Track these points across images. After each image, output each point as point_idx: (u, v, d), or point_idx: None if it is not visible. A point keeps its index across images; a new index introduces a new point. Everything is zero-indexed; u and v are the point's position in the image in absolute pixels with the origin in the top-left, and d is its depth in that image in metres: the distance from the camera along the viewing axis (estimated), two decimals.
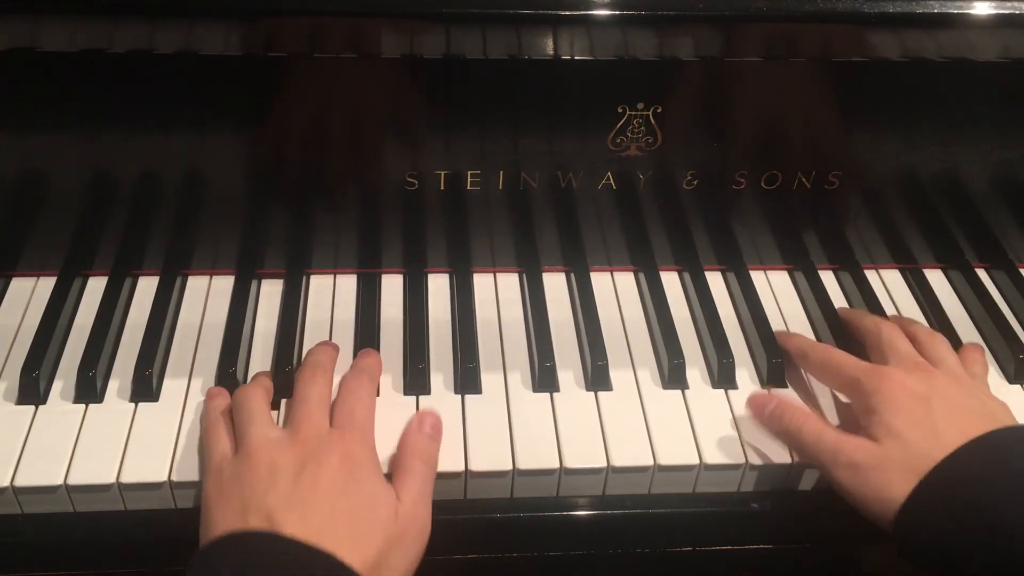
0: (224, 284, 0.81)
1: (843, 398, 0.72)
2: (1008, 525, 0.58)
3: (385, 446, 0.68)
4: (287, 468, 0.61)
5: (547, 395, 0.73)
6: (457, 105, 0.73)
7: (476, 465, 0.67)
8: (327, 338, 0.77)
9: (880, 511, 0.63)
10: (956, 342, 0.79)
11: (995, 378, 0.78)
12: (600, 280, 0.84)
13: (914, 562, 0.63)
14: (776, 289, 0.85)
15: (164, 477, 0.66)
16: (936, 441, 0.63)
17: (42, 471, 0.66)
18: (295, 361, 0.74)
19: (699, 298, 0.82)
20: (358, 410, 0.67)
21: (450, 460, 0.67)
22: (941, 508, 0.61)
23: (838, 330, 0.79)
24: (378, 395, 0.72)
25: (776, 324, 0.80)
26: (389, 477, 0.65)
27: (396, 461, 0.66)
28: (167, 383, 0.73)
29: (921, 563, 0.62)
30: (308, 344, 0.76)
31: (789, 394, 0.74)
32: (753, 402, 0.72)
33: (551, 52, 0.69)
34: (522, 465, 0.67)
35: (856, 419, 0.68)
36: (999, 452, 0.62)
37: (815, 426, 0.68)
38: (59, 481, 0.65)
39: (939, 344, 0.74)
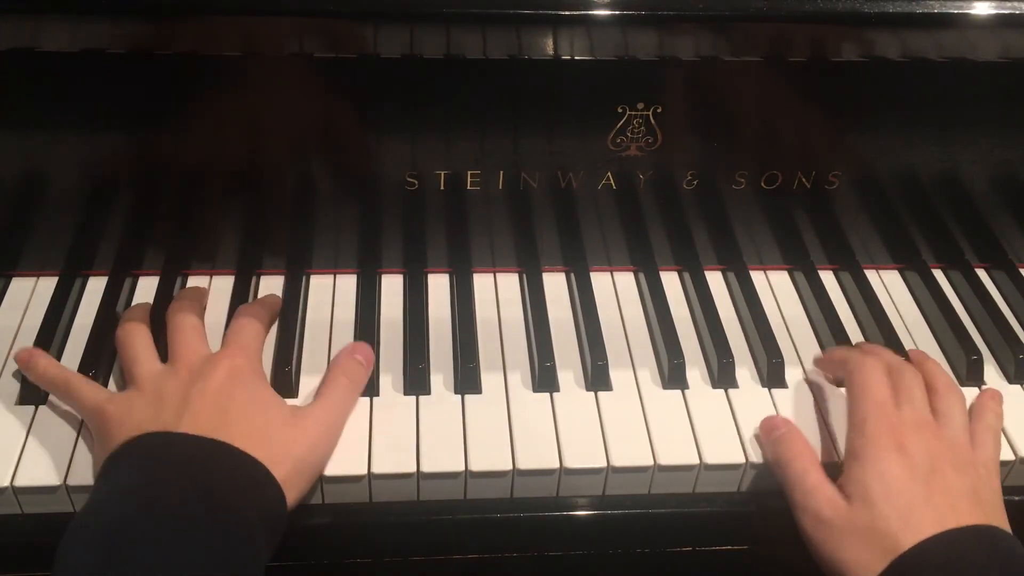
0: (224, 284, 0.81)
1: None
2: None
3: (385, 446, 0.68)
4: (174, 391, 0.64)
5: (547, 395, 0.73)
6: (457, 105, 0.73)
7: (476, 465, 0.67)
8: (327, 338, 0.77)
9: (830, 570, 0.62)
10: (955, 343, 0.79)
11: (995, 378, 0.78)
12: (600, 280, 0.84)
13: None
14: (776, 289, 0.85)
15: None
16: (906, 522, 0.60)
17: (42, 471, 0.66)
18: (295, 361, 0.74)
19: (699, 298, 0.82)
20: (245, 330, 0.70)
21: (450, 460, 0.67)
22: None
23: (838, 330, 0.79)
24: (378, 395, 0.72)
25: (776, 324, 0.80)
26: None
27: (324, 377, 0.70)
28: None
29: None
30: (308, 344, 0.76)
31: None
32: (765, 423, 0.70)
33: (551, 52, 0.69)
34: (522, 465, 0.67)
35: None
36: (961, 554, 0.59)
37: (802, 465, 0.65)
38: (59, 481, 0.65)
39: (955, 400, 0.69)
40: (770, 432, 0.69)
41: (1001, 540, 0.61)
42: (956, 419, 0.68)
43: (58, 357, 0.75)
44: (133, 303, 0.80)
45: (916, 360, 0.74)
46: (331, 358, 0.75)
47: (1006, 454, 0.71)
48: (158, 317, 0.74)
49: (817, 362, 0.77)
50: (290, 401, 0.70)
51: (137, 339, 0.70)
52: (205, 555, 0.55)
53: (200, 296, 0.78)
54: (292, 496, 0.62)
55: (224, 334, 0.71)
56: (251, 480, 0.60)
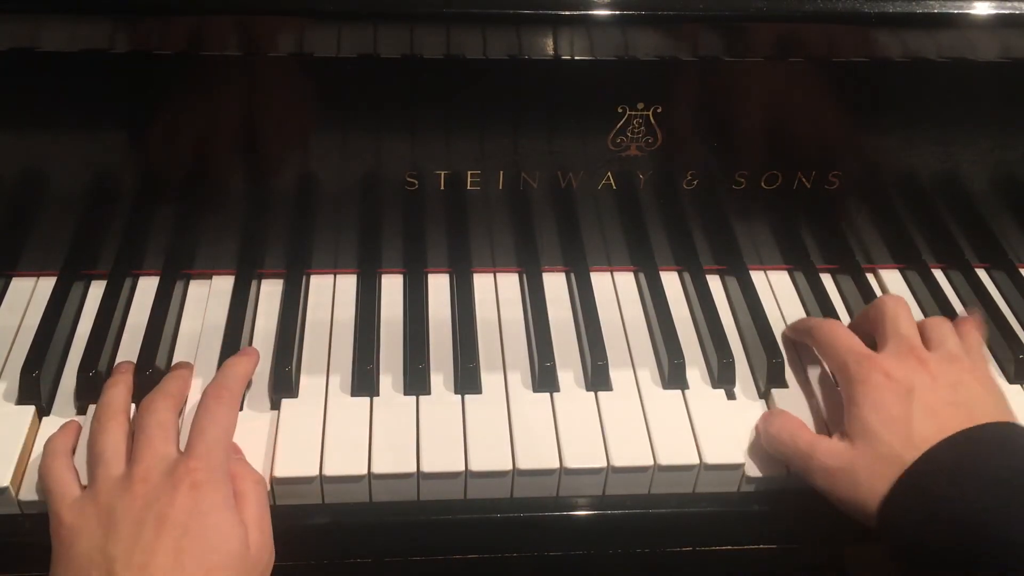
0: (224, 284, 0.81)
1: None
2: (978, 523, 0.57)
3: (385, 446, 0.68)
4: (128, 514, 0.58)
5: (547, 395, 0.73)
6: (457, 105, 0.73)
7: (476, 465, 0.67)
8: (327, 338, 0.77)
9: (855, 513, 0.63)
10: None
11: (995, 378, 0.77)
12: (600, 280, 0.84)
13: (905, 563, 0.62)
14: (776, 289, 0.85)
15: None
16: (908, 441, 0.62)
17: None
18: (295, 361, 0.74)
19: (699, 298, 0.82)
20: (208, 431, 0.63)
21: (450, 460, 0.67)
22: (915, 510, 0.60)
23: None
24: (378, 395, 0.72)
25: (776, 324, 0.80)
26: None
27: (237, 489, 0.62)
28: None
29: (909, 564, 0.62)
30: (308, 344, 0.76)
31: (792, 399, 0.74)
32: (765, 419, 0.71)
33: (551, 52, 0.69)
34: (522, 465, 0.67)
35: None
36: (970, 450, 0.61)
37: (789, 432, 0.67)
38: None
39: (945, 327, 0.72)
40: (761, 422, 0.70)
41: (1010, 434, 0.63)
42: (947, 340, 0.70)
43: (58, 357, 0.75)
44: (133, 303, 0.80)
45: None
46: (331, 359, 0.75)
47: None
48: (155, 322, 0.74)
49: (787, 332, 0.79)
50: (288, 401, 0.70)
51: (108, 433, 0.64)
52: None
53: (182, 385, 0.70)
54: None
55: (191, 426, 0.64)
56: None
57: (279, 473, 0.66)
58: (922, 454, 0.61)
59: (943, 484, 0.60)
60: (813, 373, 0.76)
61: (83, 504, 0.60)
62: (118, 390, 0.68)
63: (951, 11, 0.69)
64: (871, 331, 0.74)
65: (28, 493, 0.65)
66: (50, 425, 0.69)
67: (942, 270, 0.88)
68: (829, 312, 0.81)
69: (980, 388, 0.67)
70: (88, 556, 0.57)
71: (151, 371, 0.71)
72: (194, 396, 0.70)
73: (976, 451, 0.61)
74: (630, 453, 0.69)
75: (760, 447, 0.70)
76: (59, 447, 0.66)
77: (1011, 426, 0.64)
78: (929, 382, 0.66)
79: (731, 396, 0.74)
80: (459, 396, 0.72)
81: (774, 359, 0.75)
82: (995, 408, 0.66)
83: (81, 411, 0.71)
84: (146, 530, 0.57)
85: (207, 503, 0.59)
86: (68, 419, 0.69)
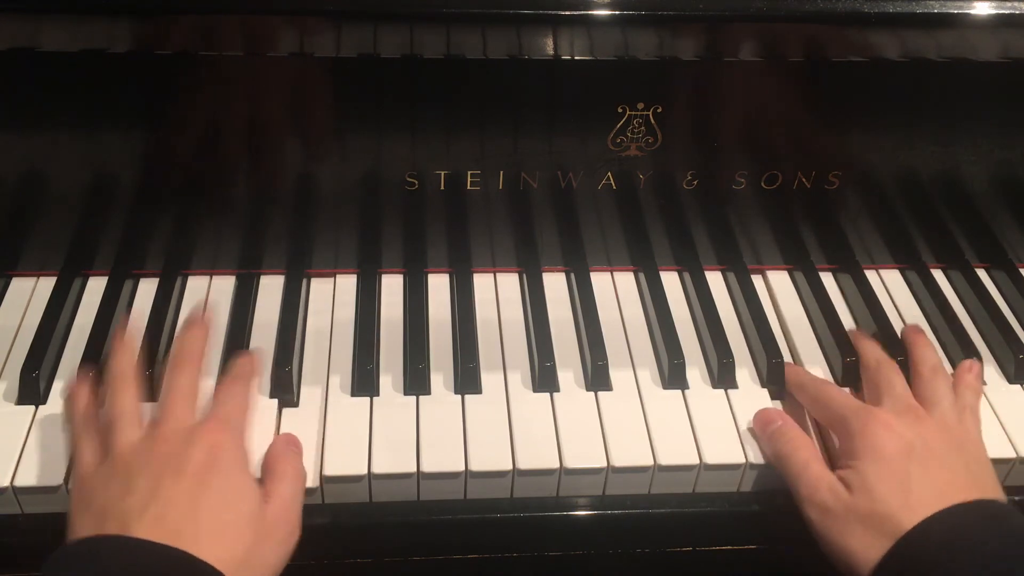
0: (224, 284, 0.81)
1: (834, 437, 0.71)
2: None
3: (385, 446, 0.68)
4: (147, 469, 0.59)
5: (547, 395, 0.73)
6: (457, 105, 0.73)
7: (476, 465, 0.67)
8: (327, 338, 0.77)
9: (836, 559, 0.62)
10: (955, 343, 0.79)
11: (995, 378, 0.78)
12: (600, 280, 0.84)
13: None
14: (776, 289, 0.85)
15: None
16: (905, 501, 0.61)
17: (42, 471, 0.66)
18: (295, 361, 0.74)
19: (699, 298, 0.82)
20: (228, 403, 0.66)
21: (450, 460, 0.67)
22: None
23: (838, 330, 0.79)
24: (378, 395, 0.72)
25: (776, 324, 0.80)
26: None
27: (266, 467, 0.65)
28: None
29: None
30: (309, 344, 0.77)
31: (802, 421, 0.72)
32: (760, 417, 0.71)
33: (551, 52, 0.69)
34: (522, 465, 0.67)
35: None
36: (965, 524, 0.60)
37: (804, 456, 0.66)
38: (59, 481, 0.65)
39: (940, 384, 0.71)
40: (767, 425, 0.70)
41: (1000, 511, 0.62)
42: (942, 401, 0.69)
43: (58, 357, 0.75)
44: (133, 303, 0.80)
45: (908, 342, 0.76)
46: (331, 359, 0.75)
47: (1006, 453, 0.71)
48: (155, 322, 0.75)
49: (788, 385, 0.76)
50: (288, 410, 0.70)
51: (122, 397, 0.65)
52: None
53: (200, 350, 0.70)
54: None
55: (213, 398, 0.66)
56: None
57: None
58: (918, 523, 0.60)
59: (936, 557, 0.59)
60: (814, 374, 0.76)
61: (104, 464, 0.62)
62: (125, 357, 0.68)
63: (951, 11, 0.69)
64: (864, 387, 0.73)
65: (28, 492, 0.65)
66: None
67: (942, 270, 0.88)
68: (829, 312, 0.81)
69: (975, 460, 0.66)
70: (105, 509, 0.58)
71: (151, 371, 0.71)
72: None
73: (971, 527, 0.60)
74: (630, 453, 0.69)
75: (762, 448, 0.70)
76: (80, 411, 0.67)
77: (1000, 504, 0.63)
78: (928, 441, 0.65)
79: (731, 396, 0.74)
80: (459, 396, 0.72)
81: (774, 359, 0.75)
82: (988, 481, 0.65)
83: None
84: (164, 483, 0.58)
85: (224, 463, 0.61)
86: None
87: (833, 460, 0.69)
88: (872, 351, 0.74)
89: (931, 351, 0.74)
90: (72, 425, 0.67)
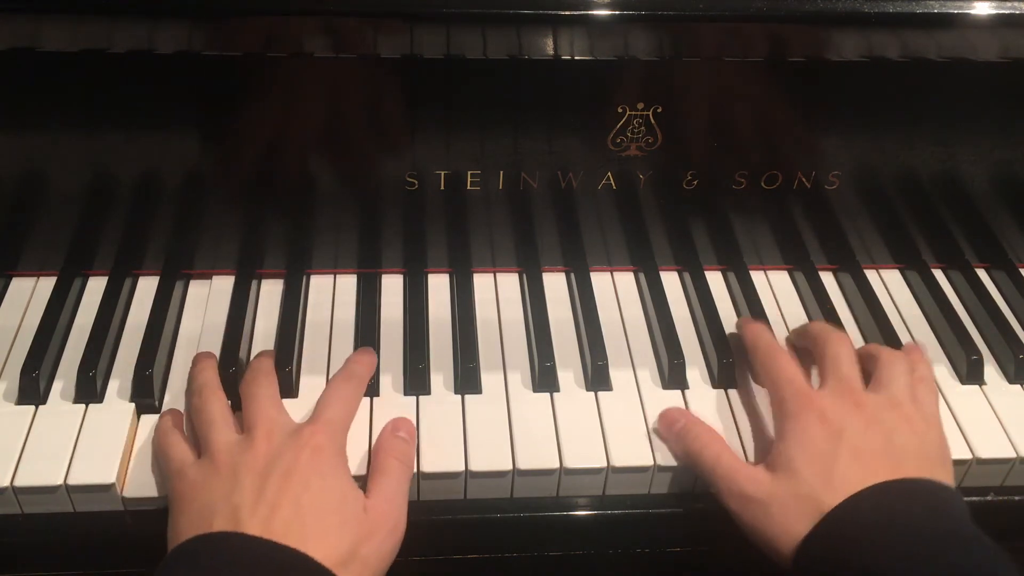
0: (224, 284, 0.81)
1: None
2: None
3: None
4: (252, 468, 0.61)
5: (547, 395, 0.73)
6: (457, 105, 0.73)
7: (476, 465, 0.67)
8: (327, 338, 0.77)
9: (763, 546, 0.62)
10: (955, 343, 0.79)
11: (995, 378, 0.78)
12: (600, 280, 0.84)
13: None
14: (776, 289, 0.85)
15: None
16: (828, 483, 0.60)
17: (42, 471, 0.66)
18: (295, 361, 0.74)
19: (699, 298, 0.82)
20: (334, 406, 0.67)
21: (450, 460, 0.67)
22: (828, 559, 0.58)
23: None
24: (378, 395, 0.72)
25: (776, 324, 0.80)
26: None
27: (372, 462, 0.66)
28: (168, 384, 0.73)
29: None
30: (308, 344, 0.77)
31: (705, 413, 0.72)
32: (663, 418, 0.70)
33: (551, 52, 0.69)
34: (522, 465, 0.67)
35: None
36: (889, 501, 0.59)
37: (714, 450, 0.66)
38: (59, 481, 0.65)
39: (898, 365, 0.70)
40: (671, 425, 0.69)
41: (935, 492, 0.61)
42: (895, 381, 0.68)
43: (58, 357, 0.75)
44: (133, 303, 0.80)
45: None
46: (331, 359, 0.75)
47: (1007, 453, 0.71)
48: (155, 322, 0.75)
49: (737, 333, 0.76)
50: (289, 401, 0.70)
51: (213, 403, 0.67)
52: None
53: (273, 367, 0.72)
54: None
55: (315, 405, 0.68)
56: None
57: None
58: (842, 501, 0.59)
59: (858, 533, 0.58)
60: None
61: (203, 463, 0.63)
62: (210, 371, 0.71)
63: (951, 11, 0.69)
64: (814, 361, 0.72)
65: (28, 492, 0.65)
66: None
67: (942, 270, 0.88)
68: (830, 312, 0.81)
69: (915, 440, 0.64)
70: (211, 507, 0.59)
71: (150, 371, 0.71)
72: None
73: (895, 504, 0.60)
74: (630, 453, 0.69)
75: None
76: (170, 423, 0.68)
77: (935, 484, 0.61)
78: (862, 427, 0.64)
79: (731, 396, 0.74)
80: (459, 396, 0.72)
81: None
82: (926, 462, 0.63)
83: None
84: (270, 483, 0.60)
85: (328, 465, 0.62)
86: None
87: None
88: (819, 325, 0.74)
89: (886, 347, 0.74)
90: (157, 431, 0.68)
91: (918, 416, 0.66)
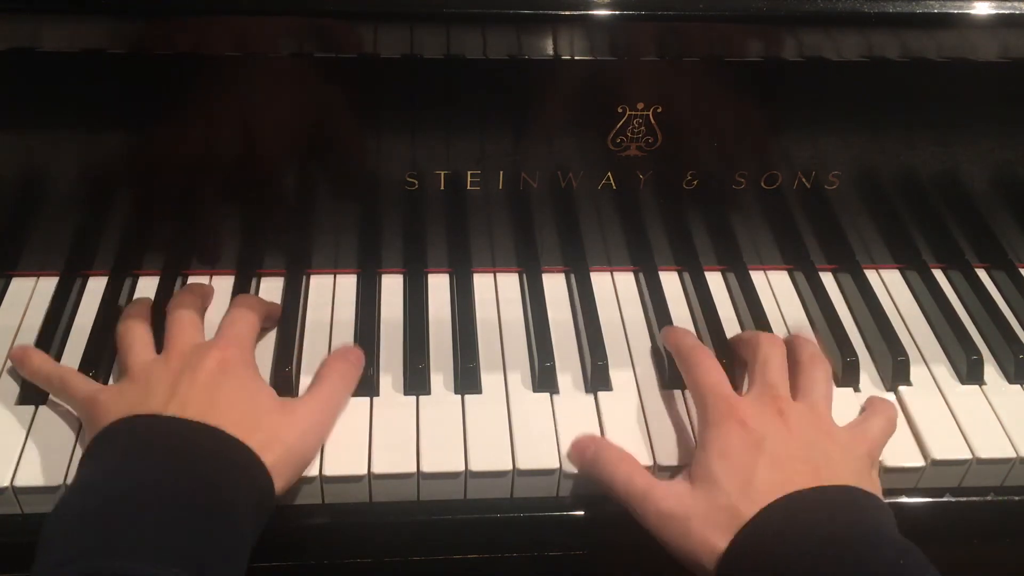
0: (224, 284, 0.81)
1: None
2: None
3: (385, 446, 0.68)
4: (163, 378, 0.64)
5: (547, 395, 0.73)
6: (457, 105, 0.73)
7: (476, 465, 0.67)
8: (327, 338, 0.77)
9: (684, 560, 0.61)
10: (955, 343, 0.79)
11: (995, 378, 0.78)
12: (600, 280, 0.84)
13: None
14: (776, 289, 0.85)
15: None
16: (746, 493, 0.59)
17: (42, 471, 0.66)
18: (295, 361, 0.74)
19: (699, 298, 0.82)
20: (239, 323, 0.71)
21: (450, 460, 0.67)
22: (748, 569, 0.57)
23: (838, 330, 0.79)
24: (378, 395, 0.72)
25: (776, 324, 0.80)
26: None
27: (315, 374, 0.70)
28: None
29: None
30: (308, 344, 0.77)
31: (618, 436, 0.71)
32: (574, 446, 0.68)
33: (551, 52, 0.69)
34: (522, 465, 0.67)
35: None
36: (807, 508, 0.58)
37: (626, 470, 0.64)
38: (60, 481, 0.65)
39: (817, 371, 0.69)
40: (581, 454, 0.67)
41: (853, 497, 0.60)
42: (815, 390, 0.68)
43: (58, 357, 0.75)
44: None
45: (790, 336, 0.74)
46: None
47: (1007, 453, 0.71)
48: (160, 315, 0.75)
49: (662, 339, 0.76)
50: None
51: (134, 332, 0.71)
52: (188, 537, 0.54)
53: (202, 292, 0.78)
54: (280, 483, 0.62)
55: (219, 324, 0.71)
56: (237, 463, 0.60)
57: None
58: (760, 510, 0.58)
59: (772, 543, 0.57)
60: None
61: (119, 384, 0.67)
62: (138, 304, 0.76)
63: (951, 11, 0.69)
64: (744, 363, 0.72)
65: (28, 493, 0.65)
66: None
67: (942, 270, 0.88)
68: (830, 312, 0.81)
69: (836, 449, 0.64)
70: (126, 412, 0.62)
71: None
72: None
73: (814, 511, 0.58)
74: (630, 453, 0.68)
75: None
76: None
77: (856, 491, 0.60)
78: (783, 435, 0.63)
79: None
80: (459, 396, 0.72)
81: None
82: (846, 470, 0.62)
83: None
84: (181, 384, 0.63)
85: (236, 372, 0.66)
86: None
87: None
88: (753, 332, 0.74)
89: (812, 341, 0.73)
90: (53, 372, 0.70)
91: (836, 427, 0.66)
